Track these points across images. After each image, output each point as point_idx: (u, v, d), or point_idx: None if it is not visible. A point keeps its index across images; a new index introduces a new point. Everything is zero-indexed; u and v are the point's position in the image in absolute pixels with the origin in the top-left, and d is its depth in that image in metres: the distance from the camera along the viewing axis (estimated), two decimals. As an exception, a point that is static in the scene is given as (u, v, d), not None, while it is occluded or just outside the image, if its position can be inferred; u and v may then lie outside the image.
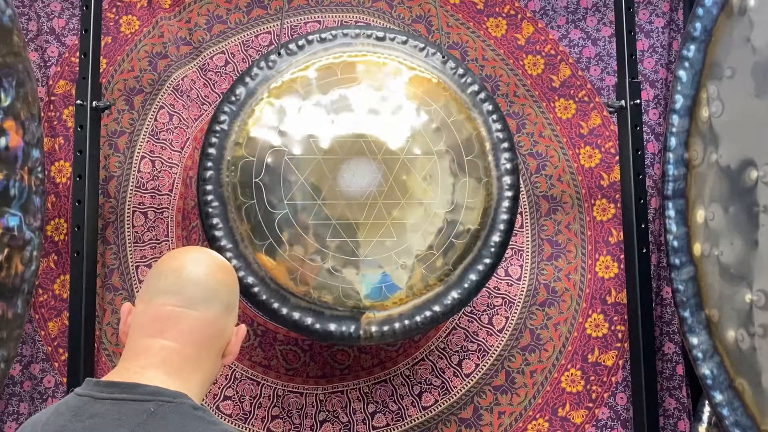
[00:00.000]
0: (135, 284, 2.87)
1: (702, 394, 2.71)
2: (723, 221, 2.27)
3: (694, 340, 2.37)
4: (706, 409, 2.73)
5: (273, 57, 2.53)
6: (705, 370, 2.34)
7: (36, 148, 2.37)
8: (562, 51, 3.07)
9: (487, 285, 2.57)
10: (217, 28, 3.03)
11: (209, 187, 2.42)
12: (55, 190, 2.89)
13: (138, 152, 2.93)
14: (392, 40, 2.59)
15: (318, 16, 3.07)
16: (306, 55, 2.54)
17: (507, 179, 2.51)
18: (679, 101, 2.44)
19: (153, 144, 2.94)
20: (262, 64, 2.52)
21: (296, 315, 2.40)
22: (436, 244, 2.44)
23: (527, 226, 2.99)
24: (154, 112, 2.96)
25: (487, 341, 2.92)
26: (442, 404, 2.88)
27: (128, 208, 2.90)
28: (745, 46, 2.22)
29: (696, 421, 2.77)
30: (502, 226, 2.49)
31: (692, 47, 2.40)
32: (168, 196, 2.92)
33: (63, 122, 2.93)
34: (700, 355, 2.35)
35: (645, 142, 2.80)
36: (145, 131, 2.95)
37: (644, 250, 2.63)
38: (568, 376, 2.92)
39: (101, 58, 2.73)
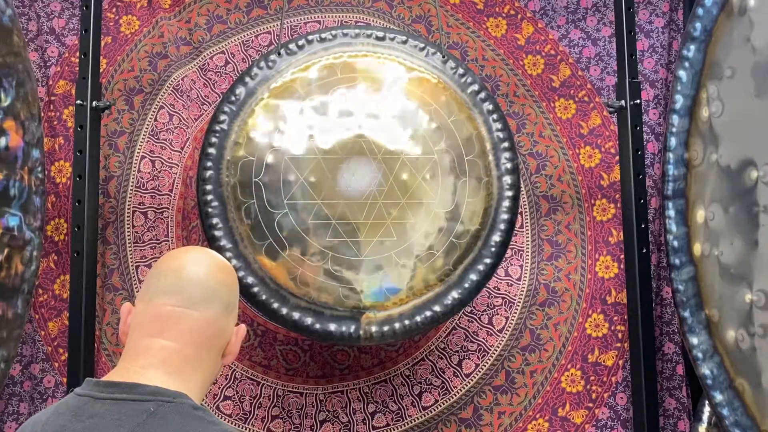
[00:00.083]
0: (135, 284, 2.87)
1: (702, 394, 2.71)
2: (723, 221, 2.27)
3: (694, 340, 2.37)
4: (706, 409, 2.73)
5: (273, 57, 2.54)
6: (705, 370, 2.34)
7: (36, 148, 2.37)
8: (562, 51, 3.07)
9: (487, 285, 2.57)
10: (217, 28, 3.03)
11: (209, 187, 2.42)
12: (55, 190, 2.89)
13: (138, 152, 2.93)
14: (392, 39, 2.59)
15: (318, 16, 3.07)
16: (306, 55, 2.54)
17: (507, 179, 2.51)
18: (679, 101, 2.44)
19: (153, 144, 2.94)
20: (262, 64, 2.52)
21: (296, 315, 2.40)
22: (436, 244, 2.44)
23: (527, 226, 2.99)
24: (154, 112, 2.96)
25: (487, 341, 2.92)
26: (442, 404, 2.88)
27: (128, 208, 2.90)
28: (745, 46, 2.22)
29: (696, 421, 2.77)
30: (502, 226, 2.49)
31: (692, 47, 2.40)
32: (168, 196, 2.92)
33: (63, 122, 2.93)
34: (700, 355, 2.35)
35: (645, 142, 2.80)
36: (145, 131, 2.95)
37: (644, 250, 2.63)
38: (568, 376, 2.92)
39: (101, 58, 2.73)
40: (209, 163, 2.43)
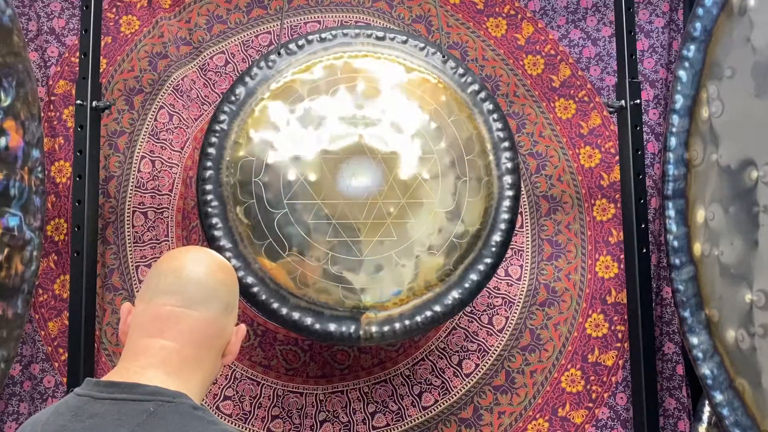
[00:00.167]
0: (135, 284, 2.87)
1: (702, 394, 2.71)
2: (723, 221, 2.27)
3: (694, 340, 2.37)
4: (706, 409, 2.73)
5: (273, 57, 2.53)
6: (705, 370, 2.34)
7: (36, 148, 2.37)
8: (562, 51, 3.07)
9: (487, 285, 2.57)
10: (217, 28, 3.03)
11: (209, 187, 2.42)
12: (55, 190, 2.89)
13: (138, 152, 2.93)
14: (392, 39, 2.59)
15: (318, 16, 3.07)
16: (306, 55, 2.54)
17: (508, 178, 2.51)
18: (679, 101, 2.44)
19: (153, 144, 2.94)
20: (262, 63, 2.52)
21: (296, 315, 2.39)
22: (436, 243, 2.44)
23: (527, 226, 2.99)
24: (154, 112, 2.96)
25: (487, 341, 2.92)
26: (442, 404, 2.88)
27: (128, 208, 2.90)
28: (745, 46, 2.22)
29: (696, 421, 2.77)
30: (503, 226, 2.49)
31: (692, 47, 2.40)
32: (168, 196, 2.92)
33: (63, 122, 2.93)
34: (700, 355, 2.35)
35: (645, 142, 2.80)
36: (145, 131, 2.95)
37: (644, 250, 2.63)
38: (568, 376, 2.92)
39: (101, 58, 2.73)
40: (209, 163, 2.43)
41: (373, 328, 2.40)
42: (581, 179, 3.01)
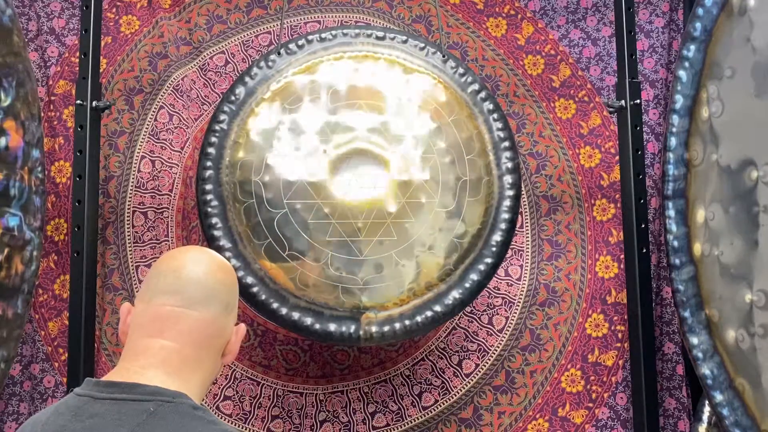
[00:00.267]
0: (135, 284, 2.87)
1: (702, 394, 2.71)
2: (723, 221, 2.27)
3: (694, 340, 2.37)
4: (706, 409, 2.73)
5: (273, 57, 2.53)
6: (705, 370, 2.34)
7: (36, 148, 2.37)
8: (562, 51, 3.07)
9: (487, 285, 2.57)
10: (217, 28, 3.03)
11: (209, 187, 2.42)
12: (55, 190, 2.89)
13: (138, 152, 2.93)
14: (392, 39, 2.59)
15: (318, 16, 3.07)
16: (305, 55, 2.54)
17: (508, 178, 2.51)
18: (679, 101, 2.44)
19: (153, 144, 2.94)
20: (262, 63, 2.52)
21: (296, 315, 2.39)
22: (436, 243, 2.44)
23: (527, 226, 2.99)
24: (154, 112, 2.96)
25: (487, 341, 2.92)
26: (442, 404, 2.88)
27: (128, 208, 2.90)
28: (745, 46, 2.22)
29: (696, 421, 2.77)
30: (503, 225, 2.49)
31: (692, 47, 2.40)
32: (168, 196, 2.92)
33: (63, 122, 2.93)
34: (700, 355, 2.35)
35: (645, 142, 2.80)
36: (145, 131, 2.95)
37: (644, 250, 2.63)
38: (568, 376, 2.92)
39: (101, 58, 2.73)
40: (209, 163, 2.43)
41: (373, 328, 2.40)
42: (581, 179, 3.01)
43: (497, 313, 2.93)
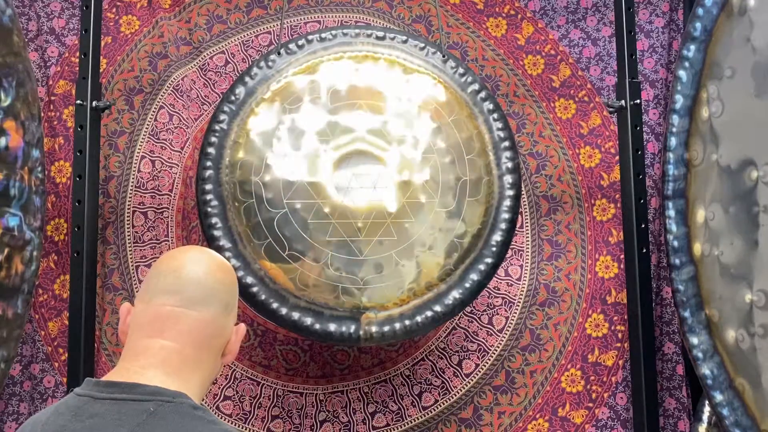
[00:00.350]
0: (135, 284, 2.87)
1: (702, 394, 2.71)
2: (723, 221, 2.27)
3: (694, 340, 2.37)
4: (706, 409, 2.73)
5: (273, 57, 2.53)
6: (705, 370, 2.34)
7: (36, 148, 2.37)
8: (562, 51, 3.07)
9: (487, 285, 2.57)
10: (217, 28, 3.03)
11: (208, 187, 2.42)
12: (55, 190, 2.89)
13: (138, 152, 2.93)
14: (392, 39, 2.59)
15: (318, 16, 3.07)
16: (306, 55, 2.54)
17: (508, 178, 2.51)
18: (679, 101, 2.44)
19: (153, 144, 2.94)
20: (262, 63, 2.52)
21: (295, 315, 2.39)
22: (437, 243, 2.44)
23: (527, 226, 2.99)
24: (154, 112, 2.96)
25: (487, 341, 2.92)
26: (442, 404, 2.88)
27: (128, 208, 2.90)
28: (745, 46, 2.22)
29: (696, 421, 2.77)
30: (503, 225, 2.49)
31: (692, 47, 2.40)
32: (168, 196, 2.92)
33: (63, 122, 2.93)
34: (700, 355, 2.35)
35: (645, 142, 2.80)
36: (145, 131, 2.95)
37: (644, 250, 2.63)
38: (568, 376, 2.92)
39: (101, 58, 2.73)
40: (209, 163, 2.43)
41: (373, 328, 2.40)
42: (581, 179, 3.01)
43: (497, 313, 2.93)
